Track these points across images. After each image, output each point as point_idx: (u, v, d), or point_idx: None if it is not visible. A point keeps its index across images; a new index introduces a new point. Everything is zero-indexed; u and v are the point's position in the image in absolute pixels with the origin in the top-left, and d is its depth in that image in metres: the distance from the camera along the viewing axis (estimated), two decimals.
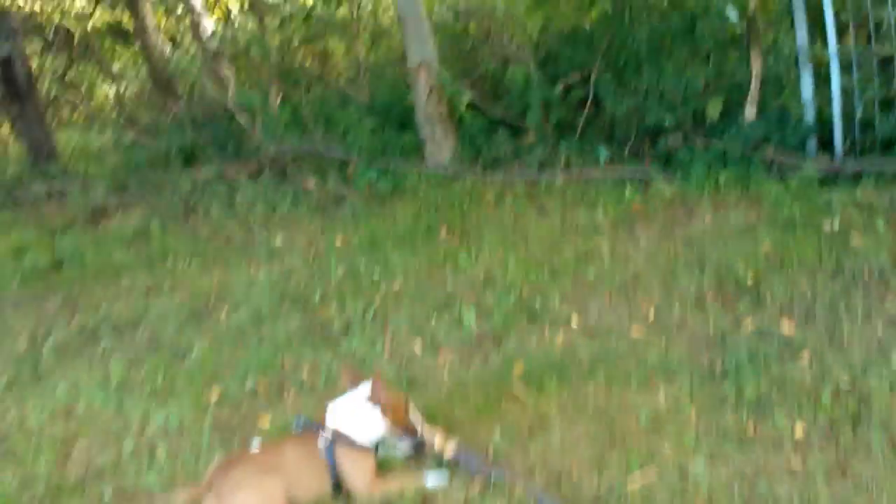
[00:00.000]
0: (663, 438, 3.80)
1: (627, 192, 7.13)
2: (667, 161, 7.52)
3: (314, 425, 3.63)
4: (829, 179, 6.51)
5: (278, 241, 7.54)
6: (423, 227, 7.18)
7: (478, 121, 8.67)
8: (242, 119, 9.73)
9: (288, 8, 11.92)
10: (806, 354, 4.31)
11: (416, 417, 3.70)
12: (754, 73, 7.37)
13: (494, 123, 8.71)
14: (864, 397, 3.88)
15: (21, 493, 3.97)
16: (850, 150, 6.91)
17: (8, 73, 12.08)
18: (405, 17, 8.61)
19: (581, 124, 8.28)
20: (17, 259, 8.00)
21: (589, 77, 8.29)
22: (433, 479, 3.57)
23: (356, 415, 3.61)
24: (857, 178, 6.45)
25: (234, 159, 9.86)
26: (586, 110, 8.31)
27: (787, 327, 4.63)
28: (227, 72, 11.63)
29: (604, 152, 7.89)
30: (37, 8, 14.44)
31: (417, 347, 5.11)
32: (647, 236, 6.29)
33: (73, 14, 14.63)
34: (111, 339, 5.86)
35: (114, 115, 14.34)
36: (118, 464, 4.15)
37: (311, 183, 8.53)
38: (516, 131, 8.59)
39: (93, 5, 14.30)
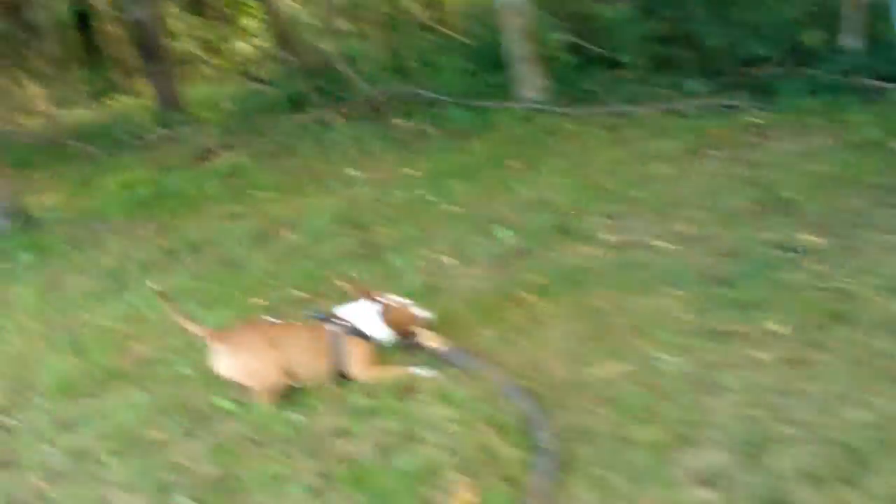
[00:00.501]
0: (645, 335, 3.69)
1: (711, 122, 6.88)
2: (760, 91, 7.19)
3: (325, 317, 3.81)
4: None
5: (355, 172, 7.71)
6: (494, 158, 7.17)
7: (570, 58, 8.53)
8: (341, 67, 9.98)
9: None
10: (815, 263, 4.09)
11: (419, 322, 3.86)
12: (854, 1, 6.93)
13: (589, 60, 8.55)
14: (852, 299, 3.69)
15: (82, 377, 4.29)
16: None
17: (142, 35, 12.88)
18: None
19: (675, 59, 8.00)
20: (125, 192, 8.55)
21: (684, 11, 8.00)
22: (421, 372, 3.69)
23: (362, 317, 3.79)
24: None
25: (335, 104, 10.13)
26: (681, 45, 8.02)
27: (808, 240, 4.40)
28: (341, 23, 11.93)
29: (695, 85, 7.61)
30: None
31: (450, 261, 5.14)
32: (714, 161, 6.05)
33: None
34: (187, 257, 6.19)
35: (238, 69, 15.03)
36: (163, 357, 4.40)
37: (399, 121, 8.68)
38: (612, 66, 8.40)
39: None
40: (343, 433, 3.33)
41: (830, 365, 3.28)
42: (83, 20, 15.99)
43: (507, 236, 5.31)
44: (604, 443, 3.01)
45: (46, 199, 8.58)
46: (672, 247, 4.67)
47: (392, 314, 3.83)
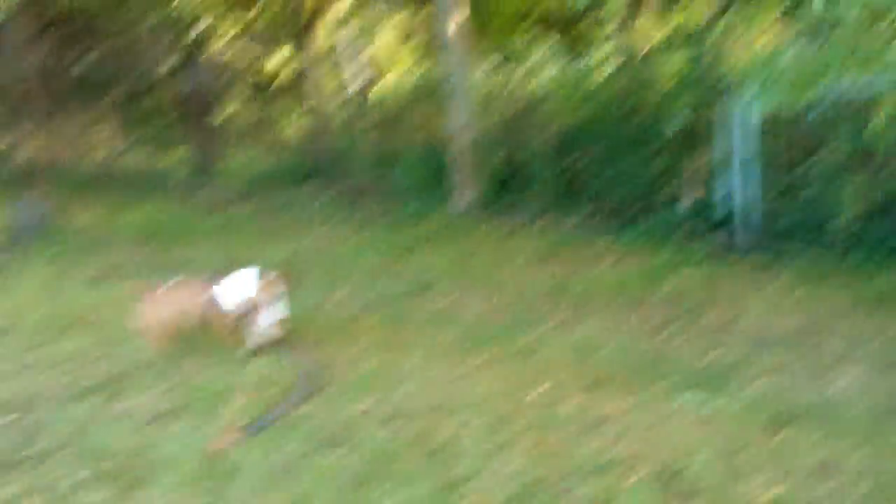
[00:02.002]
0: None
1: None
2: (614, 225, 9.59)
3: (213, 279, 5.60)
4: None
5: (320, 227, 10.23)
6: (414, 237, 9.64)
7: (498, 176, 11.08)
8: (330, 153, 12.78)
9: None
10: None
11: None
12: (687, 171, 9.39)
13: (510, 179, 11.07)
14: None
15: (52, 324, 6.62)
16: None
17: (192, 104, 15.82)
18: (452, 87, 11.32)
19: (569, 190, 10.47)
20: (144, 223, 11.13)
21: (581, 159, 10.52)
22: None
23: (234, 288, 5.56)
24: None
25: (326, 183, 12.85)
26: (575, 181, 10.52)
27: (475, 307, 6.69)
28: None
29: (576, 213, 10.04)
30: (237, 61, 18.29)
31: None
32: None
33: (263, 70, 18.34)
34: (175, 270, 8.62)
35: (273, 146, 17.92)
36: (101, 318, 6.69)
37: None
38: (525, 189, 10.89)
39: (279, 67, 17.99)
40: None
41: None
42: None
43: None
44: None
45: (81, 216, 11.13)
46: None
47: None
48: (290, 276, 6.19)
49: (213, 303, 5.48)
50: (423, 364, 5.46)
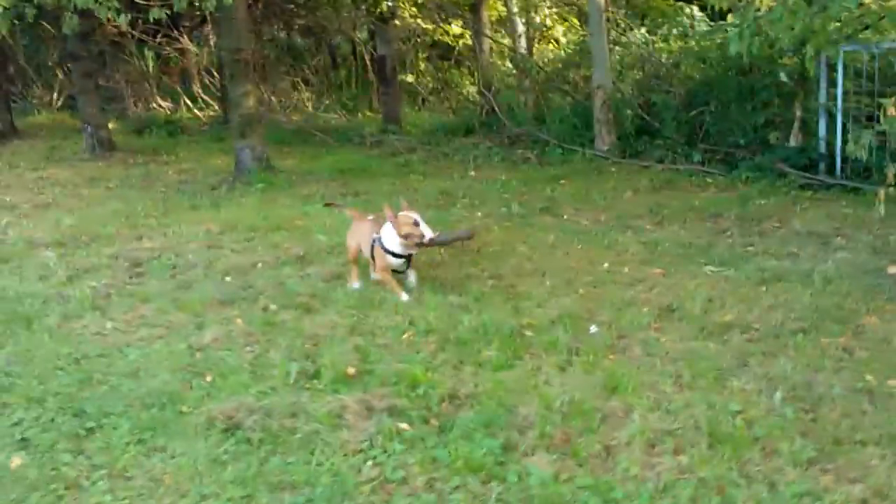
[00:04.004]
0: None
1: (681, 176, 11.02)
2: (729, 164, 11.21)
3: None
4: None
5: (471, 172, 12.36)
6: (553, 175, 11.60)
7: (634, 125, 12.87)
8: (499, 109, 14.88)
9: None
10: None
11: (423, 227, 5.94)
12: (797, 115, 10.84)
13: (645, 129, 12.83)
14: None
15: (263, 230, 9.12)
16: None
17: (381, 67, 18.29)
18: (594, 52, 13.15)
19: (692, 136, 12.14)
20: (335, 164, 13.60)
21: (705, 109, 12.13)
22: (403, 297, 5.99)
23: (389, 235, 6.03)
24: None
25: (489, 134, 15.06)
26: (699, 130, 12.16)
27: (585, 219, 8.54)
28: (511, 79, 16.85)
29: (697, 155, 11.71)
30: (424, 24, 20.72)
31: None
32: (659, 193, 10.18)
33: (449, 33, 20.66)
34: (350, 197, 10.99)
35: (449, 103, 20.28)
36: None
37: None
38: (655, 135, 12.64)
39: (456, 35, 20.30)
40: None
41: None
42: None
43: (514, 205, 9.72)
44: None
45: (286, 161, 13.62)
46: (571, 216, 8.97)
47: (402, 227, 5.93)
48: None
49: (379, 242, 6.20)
50: (528, 251, 7.42)
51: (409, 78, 21.30)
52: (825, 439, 3.81)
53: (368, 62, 20.85)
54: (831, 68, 10.19)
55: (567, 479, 3.54)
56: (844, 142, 9.72)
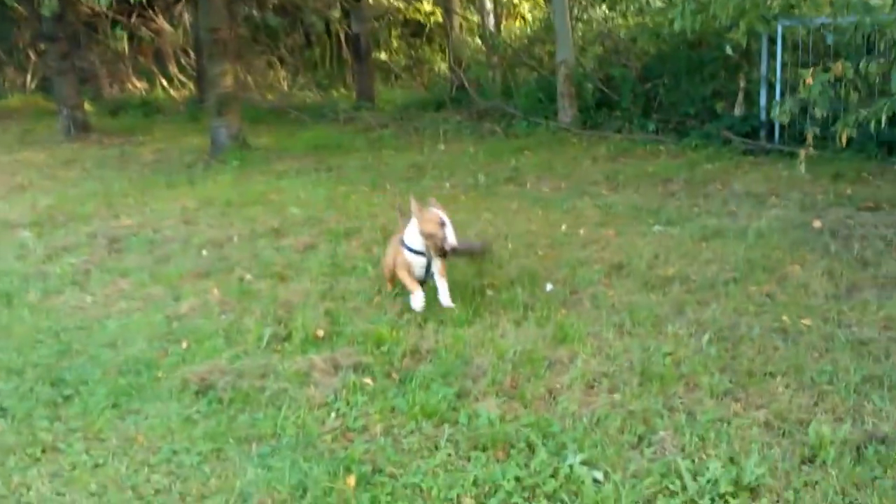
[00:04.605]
0: None
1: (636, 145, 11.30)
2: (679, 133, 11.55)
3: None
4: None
5: (440, 146, 12.57)
6: (518, 147, 11.84)
7: (594, 98, 13.14)
8: (468, 85, 15.08)
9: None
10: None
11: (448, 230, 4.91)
12: (741, 86, 11.19)
13: (605, 101, 13.11)
14: None
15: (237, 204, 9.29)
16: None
17: (355, 46, 18.42)
18: (557, 29, 13.39)
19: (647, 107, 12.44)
20: (310, 143, 13.76)
21: (658, 82, 12.44)
22: (417, 303, 5.05)
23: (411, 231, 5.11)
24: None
25: (459, 109, 15.26)
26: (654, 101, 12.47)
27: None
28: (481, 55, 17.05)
29: (651, 125, 12.02)
30: (396, 2, 20.87)
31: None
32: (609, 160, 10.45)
33: (421, 11, 20.82)
34: (323, 172, 11.11)
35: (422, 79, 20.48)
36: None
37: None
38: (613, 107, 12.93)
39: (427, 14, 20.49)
40: None
41: None
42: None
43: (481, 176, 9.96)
44: None
45: (261, 138, 13.68)
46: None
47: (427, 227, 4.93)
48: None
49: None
50: (492, 217, 7.63)
51: (383, 55, 21.44)
52: (740, 373, 4.13)
53: (342, 40, 20.94)
54: (772, 42, 10.56)
55: (512, 419, 3.76)
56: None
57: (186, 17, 20.06)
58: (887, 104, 5.74)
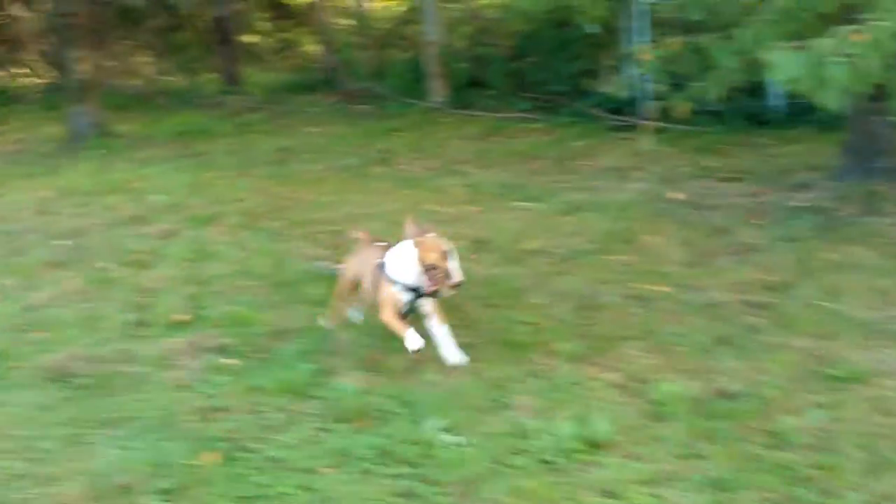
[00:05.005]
0: None
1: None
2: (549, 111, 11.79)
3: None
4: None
5: (314, 129, 12.49)
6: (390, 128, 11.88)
7: (465, 78, 13.30)
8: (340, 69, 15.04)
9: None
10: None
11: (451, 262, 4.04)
12: (608, 63, 11.51)
13: (476, 81, 13.28)
14: None
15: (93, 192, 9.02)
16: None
17: (220, 28, 18.04)
18: (426, 9, 13.48)
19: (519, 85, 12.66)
20: (174, 127, 13.42)
21: (528, 61, 12.68)
22: (412, 343, 3.97)
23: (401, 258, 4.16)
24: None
25: (330, 91, 15.19)
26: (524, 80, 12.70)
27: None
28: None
29: (522, 104, 12.25)
30: None
31: None
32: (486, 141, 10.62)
33: None
34: (191, 160, 10.86)
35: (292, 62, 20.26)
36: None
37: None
38: (483, 87, 13.11)
39: None
40: None
41: None
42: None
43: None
44: None
45: (124, 125, 13.24)
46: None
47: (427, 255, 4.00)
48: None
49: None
50: (361, 199, 7.70)
51: (252, 38, 21.02)
52: (597, 338, 4.34)
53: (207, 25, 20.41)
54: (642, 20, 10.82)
55: (374, 392, 3.87)
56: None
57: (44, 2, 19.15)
58: (715, 77, 6.02)
